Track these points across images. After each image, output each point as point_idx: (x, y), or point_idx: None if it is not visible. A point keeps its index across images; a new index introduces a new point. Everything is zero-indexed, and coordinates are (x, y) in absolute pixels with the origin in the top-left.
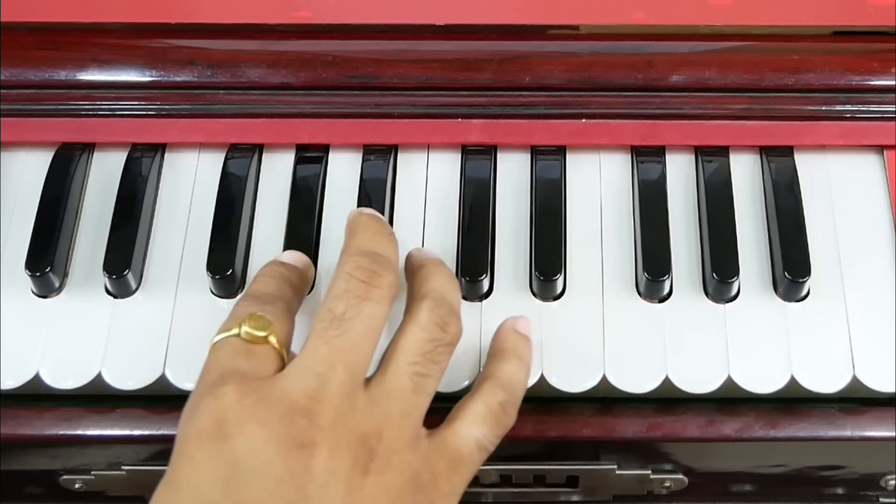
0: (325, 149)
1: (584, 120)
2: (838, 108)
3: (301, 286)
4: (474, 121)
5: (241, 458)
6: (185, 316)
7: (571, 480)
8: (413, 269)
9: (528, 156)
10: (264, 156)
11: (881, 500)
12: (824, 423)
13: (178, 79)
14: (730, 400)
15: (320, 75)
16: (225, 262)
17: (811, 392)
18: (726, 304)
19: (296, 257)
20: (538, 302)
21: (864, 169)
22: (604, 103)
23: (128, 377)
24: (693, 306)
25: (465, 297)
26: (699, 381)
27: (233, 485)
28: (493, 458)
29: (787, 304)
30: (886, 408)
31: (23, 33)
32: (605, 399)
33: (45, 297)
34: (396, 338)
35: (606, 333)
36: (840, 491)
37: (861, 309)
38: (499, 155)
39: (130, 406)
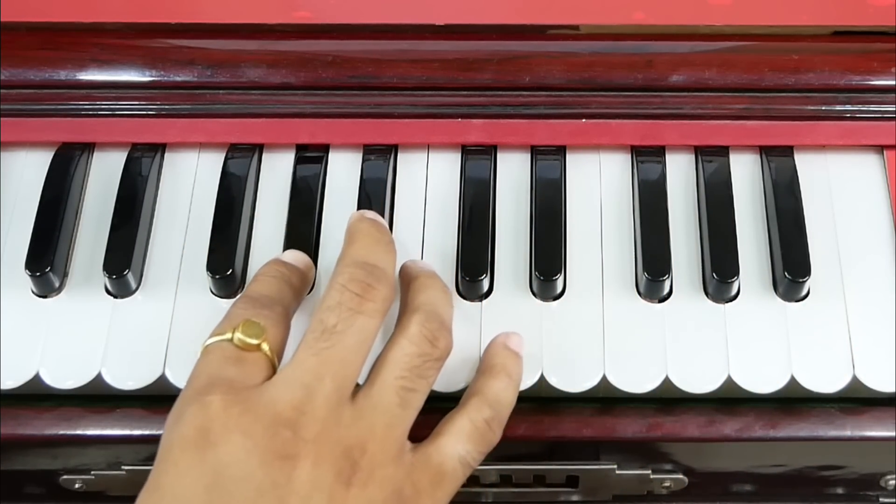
0: (325, 149)
1: (584, 120)
2: (838, 108)
3: (301, 287)
4: (474, 121)
5: (225, 468)
6: (185, 316)
7: (571, 480)
8: (407, 281)
9: (528, 156)
10: (264, 156)
11: (881, 500)
12: (824, 423)
13: (178, 79)
14: (730, 400)
15: (320, 75)
16: (225, 262)
17: (811, 392)
18: (726, 304)
19: (297, 257)
20: (538, 302)
21: (864, 169)
22: (604, 103)
23: (128, 377)
24: (693, 306)
25: (464, 297)
26: (699, 380)
27: (215, 493)
28: (494, 457)
29: (787, 304)
30: (886, 408)
31: (23, 33)
32: (605, 399)
33: (45, 297)
34: (386, 350)
35: (606, 333)
36: (840, 491)
37: (861, 309)
38: (499, 155)
39: (130, 406)
